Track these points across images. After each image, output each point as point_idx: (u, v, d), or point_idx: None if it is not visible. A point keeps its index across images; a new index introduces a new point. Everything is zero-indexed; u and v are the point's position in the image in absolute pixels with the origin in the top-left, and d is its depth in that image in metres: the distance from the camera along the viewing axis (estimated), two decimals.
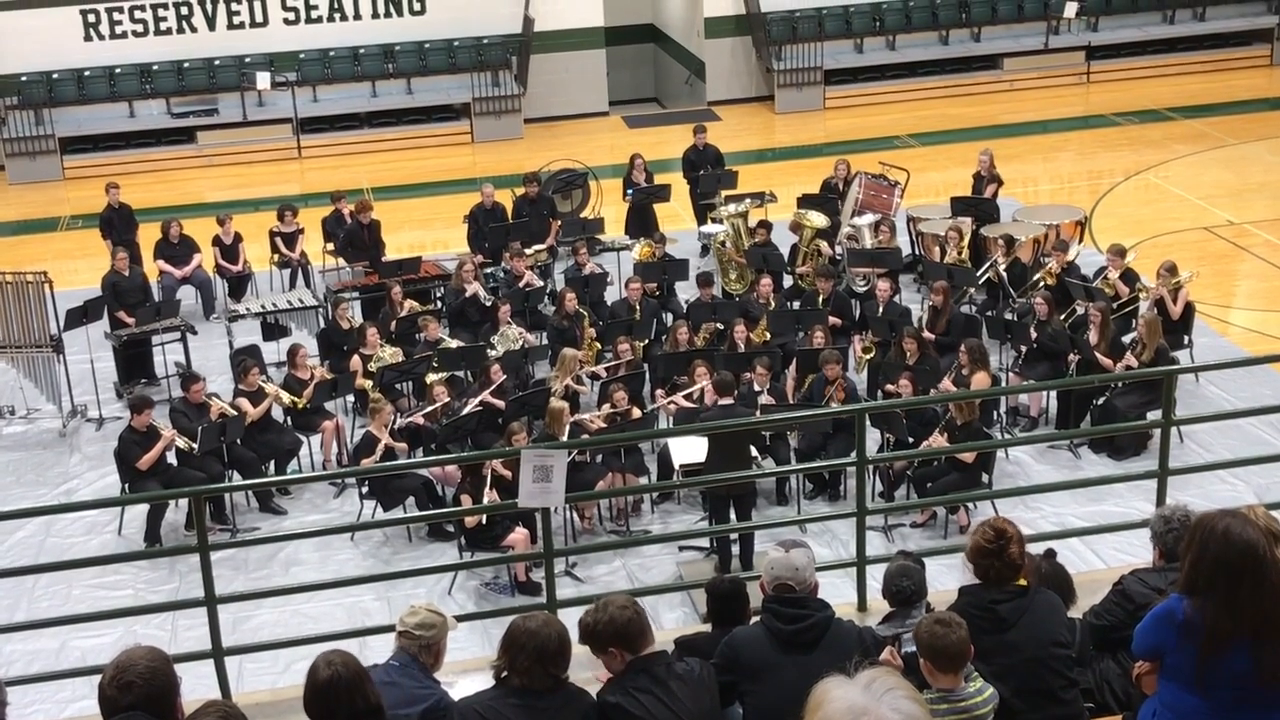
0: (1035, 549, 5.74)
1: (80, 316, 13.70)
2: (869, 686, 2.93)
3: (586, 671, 5.76)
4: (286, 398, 12.26)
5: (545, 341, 13.71)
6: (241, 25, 22.09)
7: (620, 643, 4.90)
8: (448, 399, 12.09)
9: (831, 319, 13.32)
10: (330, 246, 16.30)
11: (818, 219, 15.47)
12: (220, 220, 16.05)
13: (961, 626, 4.86)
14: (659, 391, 12.54)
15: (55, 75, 21.43)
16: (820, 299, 13.80)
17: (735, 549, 10.36)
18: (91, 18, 21.62)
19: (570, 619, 5.09)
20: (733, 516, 10.46)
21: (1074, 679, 5.26)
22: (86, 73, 21.55)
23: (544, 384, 12.45)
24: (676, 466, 11.13)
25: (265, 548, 10.85)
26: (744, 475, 9.99)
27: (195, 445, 11.36)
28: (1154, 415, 11.27)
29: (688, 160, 17.63)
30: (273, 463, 12.09)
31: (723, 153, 17.88)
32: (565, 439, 10.64)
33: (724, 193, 16.55)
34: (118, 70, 21.63)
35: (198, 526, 7.40)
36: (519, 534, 10.49)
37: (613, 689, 4.90)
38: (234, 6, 22.01)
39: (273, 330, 14.30)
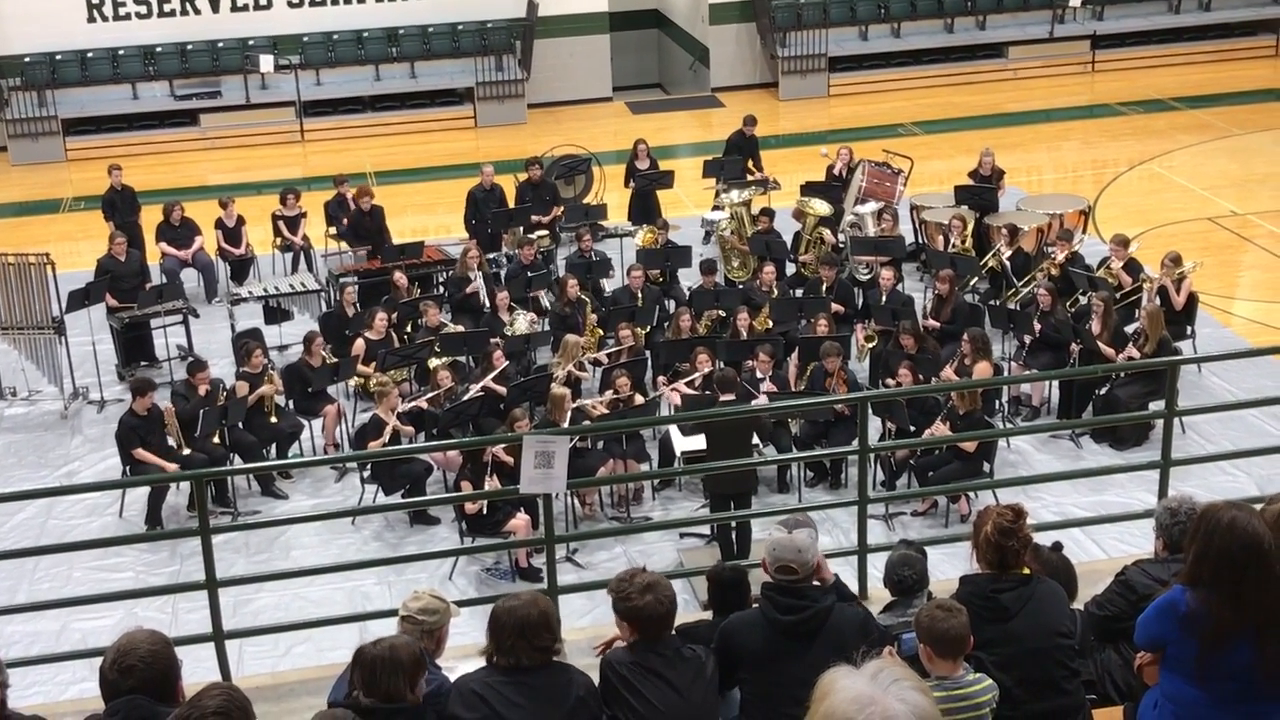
0: (1039, 539, 5.74)
1: (82, 298, 13.67)
2: (876, 677, 2.92)
3: (587, 658, 5.77)
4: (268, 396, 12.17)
5: (547, 327, 13.70)
6: (245, 8, 22.02)
7: (640, 626, 4.92)
8: (452, 384, 12.07)
9: (834, 307, 13.31)
10: (332, 230, 16.28)
11: (821, 207, 15.45)
12: (223, 203, 16.02)
13: (962, 613, 4.87)
14: (661, 378, 12.52)
15: (59, 56, 21.37)
16: (823, 287, 13.79)
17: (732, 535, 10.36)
18: None
19: (571, 604, 5.09)
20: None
21: (1076, 669, 5.25)
22: (90, 54, 21.49)
23: (546, 370, 12.43)
24: (678, 453, 11.12)
25: (266, 531, 10.85)
26: (744, 463, 9.95)
27: (185, 448, 11.38)
28: (1156, 406, 11.28)
29: (732, 144, 17.55)
30: (274, 446, 12.11)
31: (726, 141, 17.80)
32: (567, 425, 10.63)
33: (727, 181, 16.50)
34: (121, 52, 21.56)
35: (199, 509, 7.41)
36: (520, 520, 10.49)
37: (618, 661, 4.91)
38: None
39: (275, 314, 14.29)
